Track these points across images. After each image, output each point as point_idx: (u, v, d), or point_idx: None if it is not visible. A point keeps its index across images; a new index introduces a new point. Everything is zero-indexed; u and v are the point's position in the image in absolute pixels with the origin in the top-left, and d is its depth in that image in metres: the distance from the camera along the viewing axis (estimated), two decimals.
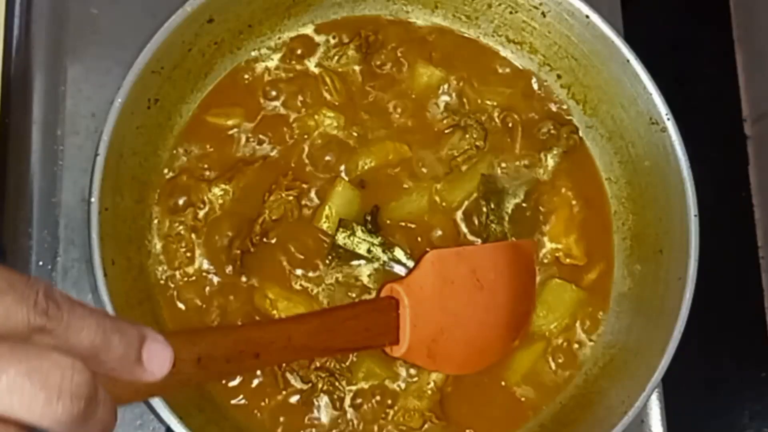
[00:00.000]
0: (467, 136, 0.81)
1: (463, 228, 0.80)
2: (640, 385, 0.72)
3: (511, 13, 0.82)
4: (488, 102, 0.84)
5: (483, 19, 0.84)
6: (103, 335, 0.42)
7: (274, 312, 0.75)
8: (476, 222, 0.80)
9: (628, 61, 0.78)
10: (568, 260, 0.81)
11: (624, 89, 0.79)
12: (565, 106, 0.85)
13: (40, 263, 0.81)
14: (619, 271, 0.82)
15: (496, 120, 0.83)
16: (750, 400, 0.88)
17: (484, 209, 0.79)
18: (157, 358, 0.45)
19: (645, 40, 0.83)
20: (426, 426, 0.76)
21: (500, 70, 0.85)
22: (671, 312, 0.74)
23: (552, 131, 0.82)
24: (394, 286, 0.71)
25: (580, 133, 0.84)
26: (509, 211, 0.81)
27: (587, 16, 0.78)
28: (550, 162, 0.82)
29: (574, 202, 0.82)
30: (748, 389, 0.89)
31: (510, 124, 0.83)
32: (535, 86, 0.85)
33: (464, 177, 0.81)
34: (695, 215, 0.75)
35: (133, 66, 0.72)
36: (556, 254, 0.81)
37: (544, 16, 0.81)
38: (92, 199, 0.70)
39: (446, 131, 0.82)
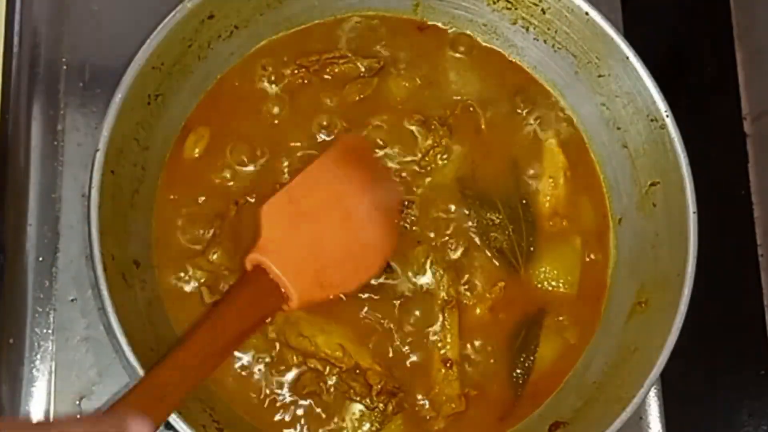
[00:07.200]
0: (431, 134, 0.81)
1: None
2: (638, 381, 0.72)
3: (509, 9, 0.83)
4: (461, 97, 0.84)
5: (480, 15, 0.84)
6: None
7: (313, 348, 0.76)
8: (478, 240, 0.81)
9: (627, 58, 0.78)
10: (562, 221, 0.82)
11: (623, 86, 0.80)
12: (562, 104, 0.85)
13: (41, 258, 0.81)
14: (617, 268, 0.82)
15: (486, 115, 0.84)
16: (749, 398, 0.88)
17: (473, 224, 0.81)
18: None
19: (644, 38, 0.83)
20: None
21: (496, 68, 0.85)
22: (670, 309, 0.74)
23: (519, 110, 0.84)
24: (250, 256, 0.73)
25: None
26: (499, 211, 0.81)
27: (587, 13, 0.79)
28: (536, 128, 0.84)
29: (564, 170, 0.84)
30: (747, 387, 0.89)
31: (486, 112, 0.84)
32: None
33: (441, 176, 0.82)
34: (694, 212, 0.76)
35: (133, 62, 0.73)
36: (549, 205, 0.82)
37: (544, 13, 0.81)
38: (92, 195, 0.71)
39: (413, 128, 0.82)
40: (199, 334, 0.68)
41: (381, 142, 0.82)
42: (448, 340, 0.78)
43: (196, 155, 0.80)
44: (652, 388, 0.84)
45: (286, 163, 0.80)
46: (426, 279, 0.79)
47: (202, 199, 0.79)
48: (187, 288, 0.78)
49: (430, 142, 0.81)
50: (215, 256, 0.78)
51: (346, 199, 0.77)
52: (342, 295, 0.77)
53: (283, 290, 0.73)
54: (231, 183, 0.80)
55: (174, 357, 0.67)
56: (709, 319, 0.82)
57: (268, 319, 0.76)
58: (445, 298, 0.78)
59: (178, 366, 0.66)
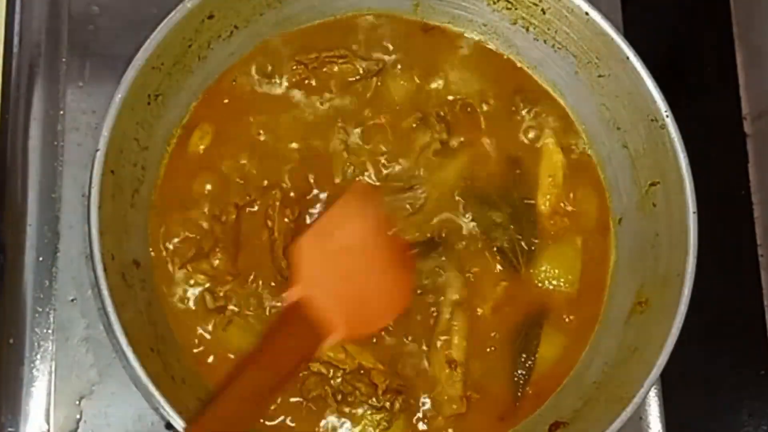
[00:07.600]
0: (430, 130, 0.82)
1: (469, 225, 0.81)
2: (638, 381, 0.72)
3: (509, 9, 0.83)
4: (460, 97, 0.84)
5: (480, 15, 0.84)
6: None
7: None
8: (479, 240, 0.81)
9: (627, 58, 0.78)
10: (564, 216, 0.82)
11: (623, 86, 0.80)
12: (561, 103, 0.85)
13: (41, 258, 0.81)
14: (617, 267, 0.82)
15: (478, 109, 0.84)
16: (749, 398, 0.88)
17: (474, 224, 0.81)
18: None
19: (644, 38, 0.83)
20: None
21: (496, 68, 0.85)
22: (670, 309, 0.74)
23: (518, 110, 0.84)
24: (291, 291, 0.72)
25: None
26: (500, 211, 0.81)
27: (587, 13, 0.79)
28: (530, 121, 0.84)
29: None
30: (747, 387, 0.89)
31: (486, 111, 0.84)
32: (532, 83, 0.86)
33: (440, 176, 0.82)
34: (694, 212, 0.75)
35: (133, 62, 0.73)
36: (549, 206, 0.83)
37: (544, 13, 0.81)
38: (92, 195, 0.71)
39: (414, 125, 0.82)
40: (246, 378, 0.68)
41: (381, 145, 0.82)
42: (455, 341, 0.78)
43: (201, 151, 0.80)
44: (652, 388, 0.84)
45: (287, 166, 0.80)
46: (428, 280, 0.80)
47: (201, 201, 0.79)
48: (187, 289, 0.78)
49: (428, 139, 0.81)
50: (216, 262, 0.77)
51: (368, 237, 0.77)
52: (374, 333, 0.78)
53: (322, 326, 0.72)
54: (230, 186, 0.80)
55: (223, 402, 0.67)
56: (709, 319, 0.82)
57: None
58: (457, 299, 0.78)
59: (227, 413, 0.66)
